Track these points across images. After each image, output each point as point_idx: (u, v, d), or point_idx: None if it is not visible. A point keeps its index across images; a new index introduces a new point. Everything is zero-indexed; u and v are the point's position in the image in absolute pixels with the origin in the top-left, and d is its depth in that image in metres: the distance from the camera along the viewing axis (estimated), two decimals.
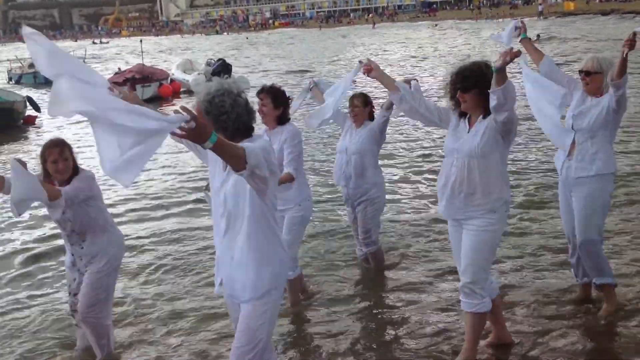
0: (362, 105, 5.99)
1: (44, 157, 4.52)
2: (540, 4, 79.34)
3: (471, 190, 4.15)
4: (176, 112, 2.72)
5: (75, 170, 4.57)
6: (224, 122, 3.27)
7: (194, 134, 2.72)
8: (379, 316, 5.54)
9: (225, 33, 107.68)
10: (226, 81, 3.39)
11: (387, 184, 6.97)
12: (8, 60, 43.10)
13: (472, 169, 4.13)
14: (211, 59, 31.11)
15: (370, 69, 4.42)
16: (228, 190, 3.34)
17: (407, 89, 4.39)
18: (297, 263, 5.54)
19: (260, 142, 3.25)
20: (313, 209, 5.87)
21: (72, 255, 4.70)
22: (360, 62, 4.60)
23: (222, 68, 26.97)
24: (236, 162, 2.95)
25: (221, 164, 3.36)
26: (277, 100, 5.19)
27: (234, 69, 29.23)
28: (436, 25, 76.89)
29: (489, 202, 4.16)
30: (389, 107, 5.88)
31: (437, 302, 5.68)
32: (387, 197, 6.93)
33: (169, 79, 28.02)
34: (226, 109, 3.26)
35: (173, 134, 2.72)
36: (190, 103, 3.20)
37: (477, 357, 4.49)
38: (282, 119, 5.23)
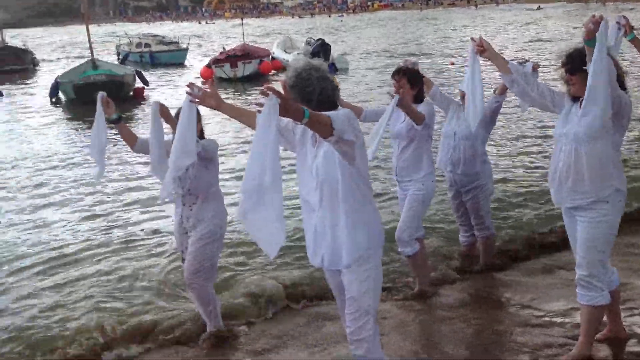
0: None
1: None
2: None
3: (579, 177, 4.00)
4: (262, 93, 2.93)
5: (201, 135, 4.74)
6: (309, 94, 3.38)
7: (287, 111, 2.93)
8: (478, 302, 5.43)
9: (328, 15, 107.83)
10: (314, 60, 3.55)
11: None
12: (117, 36, 45.06)
13: (579, 155, 3.97)
14: (311, 38, 31.35)
15: (482, 49, 4.24)
16: (319, 162, 3.43)
17: (519, 70, 4.22)
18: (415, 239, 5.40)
19: (343, 110, 3.34)
20: None
21: (181, 216, 4.81)
22: (472, 39, 4.38)
23: (321, 48, 27.10)
24: (324, 129, 3.11)
25: (311, 141, 3.49)
26: (413, 80, 5.26)
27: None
28: (538, 7, 74.25)
29: (598, 189, 3.97)
30: (503, 91, 5.65)
31: (546, 293, 5.47)
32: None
33: (270, 56, 28.45)
34: (312, 82, 3.38)
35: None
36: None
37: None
38: (419, 98, 5.29)
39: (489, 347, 4.65)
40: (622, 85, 3.99)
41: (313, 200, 3.48)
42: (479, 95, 4.63)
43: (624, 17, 4.16)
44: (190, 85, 3.79)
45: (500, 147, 11.12)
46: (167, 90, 24.17)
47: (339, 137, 3.14)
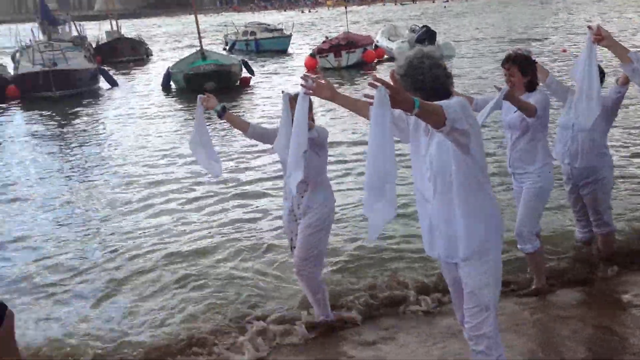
0: None
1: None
2: None
3: None
4: (371, 84, 2.88)
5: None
6: (421, 82, 3.30)
7: (396, 102, 2.86)
8: (597, 302, 5.18)
9: (432, 1, 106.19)
10: (426, 47, 3.47)
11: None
12: (225, 26, 46.32)
13: None
14: (415, 25, 30.95)
15: (600, 38, 3.99)
16: (432, 153, 3.36)
17: None
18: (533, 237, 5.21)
19: (456, 98, 3.25)
20: None
21: (291, 203, 4.86)
22: (589, 27, 4.13)
23: (426, 35, 26.73)
24: (436, 119, 3.01)
25: (423, 131, 3.40)
26: (524, 68, 5.02)
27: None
28: None
29: None
30: (625, 82, 5.33)
31: None
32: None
33: (373, 45, 28.37)
34: (424, 69, 3.30)
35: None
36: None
37: None
38: (531, 86, 5.06)
39: (609, 350, 4.43)
40: None
41: (427, 191, 3.42)
42: (596, 90, 4.36)
43: None
44: (305, 77, 3.82)
45: (619, 140, 10.53)
46: (272, 78, 24.66)
47: (451, 126, 3.04)
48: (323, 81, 3.75)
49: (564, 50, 23.86)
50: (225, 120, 5.01)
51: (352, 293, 5.53)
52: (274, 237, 7.23)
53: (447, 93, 3.35)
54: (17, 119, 19.44)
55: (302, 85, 3.82)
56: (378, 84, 2.86)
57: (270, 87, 21.81)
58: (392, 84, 2.89)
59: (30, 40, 28.78)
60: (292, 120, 4.21)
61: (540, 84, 5.24)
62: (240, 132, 5.05)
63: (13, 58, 31.41)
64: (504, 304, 5.06)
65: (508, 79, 5.01)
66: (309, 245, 4.77)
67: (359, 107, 3.72)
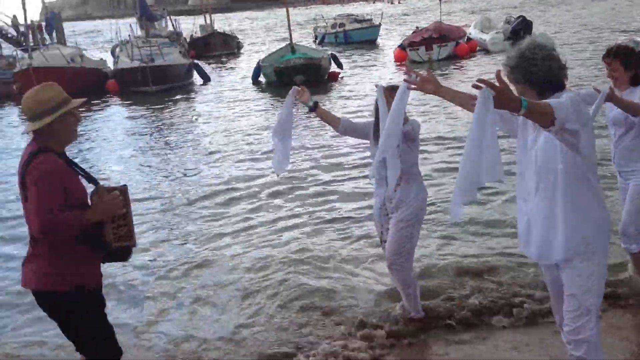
0: None
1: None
2: None
3: None
4: (475, 86, 2.84)
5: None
6: (534, 74, 3.21)
7: (502, 103, 2.81)
8: None
9: None
10: (539, 38, 3.38)
11: None
12: (314, 19, 46.63)
13: None
14: (510, 16, 30.02)
15: None
16: (539, 147, 3.25)
17: None
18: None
19: (568, 94, 3.15)
20: None
21: (384, 198, 4.82)
22: None
23: (522, 26, 25.90)
24: (544, 118, 2.91)
25: (531, 125, 3.29)
26: (627, 62, 4.74)
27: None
28: None
29: None
30: None
31: None
32: None
33: (466, 37, 27.71)
34: (537, 61, 3.20)
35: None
36: (495, 65, 3.09)
37: None
38: (636, 80, 4.77)
39: None
40: None
41: (529, 187, 3.32)
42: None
43: None
44: (408, 71, 3.76)
45: None
46: (360, 72, 24.62)
47: (561, 126, 2.93)
48: (426, 74, 3.67)
49: None
50: (315, 115, 5.00)
51: (445, 292, 5.45)
52: (360, 229, 7.22)
53: (560, 86, 3.25)
54: (115, 113, 20.39)
55: (405, 80, 3.76)
56: (482, 85, 2.81)
57: (359, 81, 21.77)
58: (497, 84, 2.82)
59: (129, 35, 29.94)
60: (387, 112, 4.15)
61: None
62: (330, 127, 5.04)
63: (113, 53, 32.82)
64: (604, 306, 4.84)
65: (610, 73, 4.79)
66: (401, 240, 4.74)
67: (462, 100, 3.64)
